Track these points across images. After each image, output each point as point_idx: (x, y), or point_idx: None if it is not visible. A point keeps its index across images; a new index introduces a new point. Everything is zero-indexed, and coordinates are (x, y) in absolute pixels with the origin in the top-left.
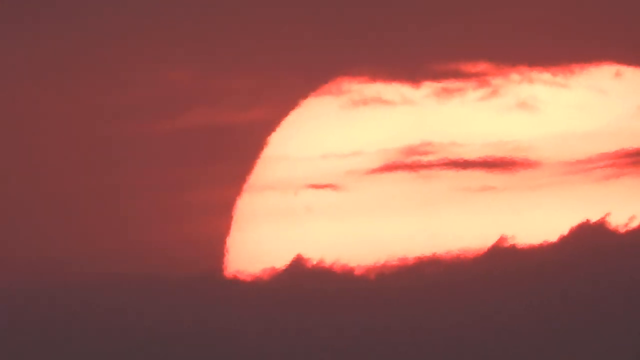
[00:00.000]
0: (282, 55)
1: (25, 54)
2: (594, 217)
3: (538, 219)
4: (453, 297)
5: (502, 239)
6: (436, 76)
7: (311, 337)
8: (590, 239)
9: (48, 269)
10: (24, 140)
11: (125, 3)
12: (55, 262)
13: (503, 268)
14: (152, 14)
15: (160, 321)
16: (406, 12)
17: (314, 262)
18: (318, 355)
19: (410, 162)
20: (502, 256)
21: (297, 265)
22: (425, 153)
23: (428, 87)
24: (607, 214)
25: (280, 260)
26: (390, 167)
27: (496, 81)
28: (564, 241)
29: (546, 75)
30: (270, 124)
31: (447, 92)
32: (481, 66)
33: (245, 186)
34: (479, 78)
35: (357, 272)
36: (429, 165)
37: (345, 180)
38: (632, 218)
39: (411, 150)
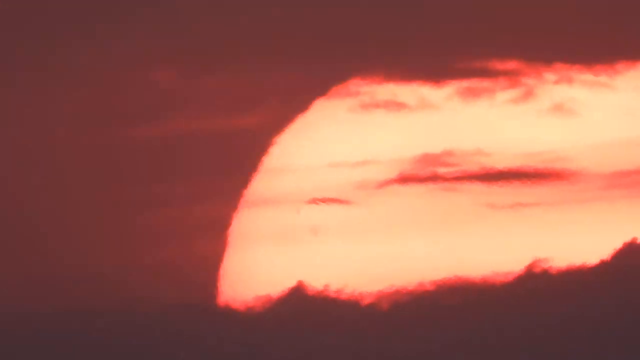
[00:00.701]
0: (283, 52)
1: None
2: None
3: (576, 240)
4: (478, 330)
5: (535, 262)
6: (460, 75)
7: None
8: (637, 261)
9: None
10: None
11: None
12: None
13: (536, 295)
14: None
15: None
16: (425, 2)
17: (317, 289)
18: None
19: (429, 174)
20: (534, 282)
21: (297, 293)
22: (447, 163)
23: (450, 87)
24: None
25: (278, 286)
26: (406, 179)
27: (529, 81)
28: (606, 264)
29: (587, 75)
30: (269, 130)
31: (473, 93)
32: (512, 64)
33: (242, 201)
34: (509, 77)
35: (366, 301)
36: (451, 178)
37: (354, 194)
38: None
39: (431, 160)
